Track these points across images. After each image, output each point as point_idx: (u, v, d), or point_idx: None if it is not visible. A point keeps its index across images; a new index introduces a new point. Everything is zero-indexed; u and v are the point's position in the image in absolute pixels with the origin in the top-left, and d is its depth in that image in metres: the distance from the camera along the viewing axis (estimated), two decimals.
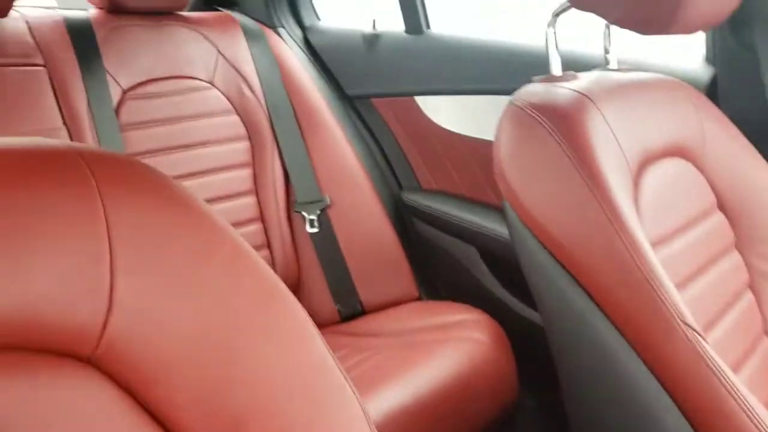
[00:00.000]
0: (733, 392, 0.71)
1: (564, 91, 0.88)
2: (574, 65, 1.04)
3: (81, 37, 1.26)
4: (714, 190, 1.00)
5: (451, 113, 1.57)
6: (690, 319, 0.74)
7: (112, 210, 0.43)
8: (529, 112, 0.85)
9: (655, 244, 0.82)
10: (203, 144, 1.34)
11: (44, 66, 1.21)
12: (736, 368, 0.86)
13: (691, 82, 1.07)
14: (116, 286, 0.41)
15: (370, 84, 1.61)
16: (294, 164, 1.41)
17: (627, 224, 0.76)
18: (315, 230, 1.40)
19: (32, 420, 0.39)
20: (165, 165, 1.28)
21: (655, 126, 0.93)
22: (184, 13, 1.41)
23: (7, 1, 0.45)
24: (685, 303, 0.75)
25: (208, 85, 1.38)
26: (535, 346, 1.09)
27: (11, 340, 0.39)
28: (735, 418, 0.70)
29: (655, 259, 0.76)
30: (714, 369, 0.71)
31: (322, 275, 1.40)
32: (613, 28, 1.02)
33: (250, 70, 1.43)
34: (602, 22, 1.00)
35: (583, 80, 0.93)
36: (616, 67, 1.05)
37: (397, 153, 1.63)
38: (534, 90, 0.90)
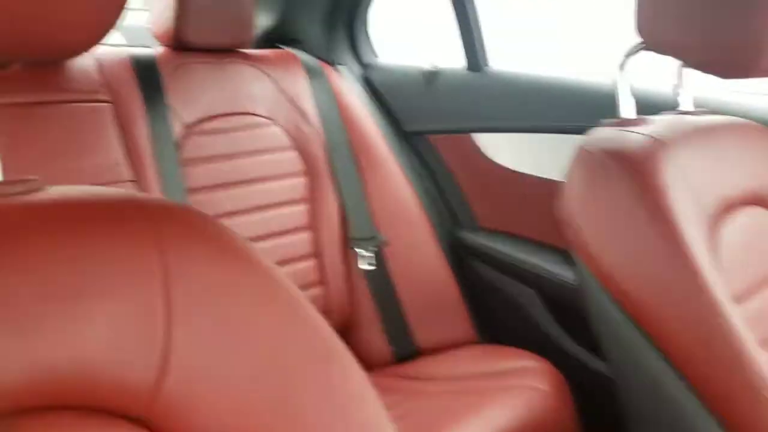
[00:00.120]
0: None
1: (638, 137, 0.85)
2: (641, 105, 1.01)
3: (146, 75, 1.28)
4: None
5: (510, 151, 1.54)
6: None
7: (172, 264, 0.42)
8: (602, 158, 0.82)
9: (738, 300, 0.78)
10: (261, 180, 1.35)
11: (110, 102, 1.23)
12: None
13: None
14: (173, 344, 0.41)
15: (429, 121, 1.60)
16: (350, 200, 1.40)
17: (707, 282, 0.72)
18: (370, 268, 1.38)
19: None
20: (223, 200, 1.29)
21: (732, 173, 0.89)
22: (247, 51, 1.43)
23: (85, 44, 0.45)
24: None
25: (269, 121, 1.38)
26: (597, 396, 1.05)
27: (65, 399, 0.38)
28: None
29: (738, 320, 0.71)
30: None
31: (376, 314, 1.38)
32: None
33: (309, 106, 1.43)
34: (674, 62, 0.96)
35: (657, 125, 0.89)
36: (689, 109, 1.01)
37: (455, 191, 1.60)
38: (606, 135, 0.87)
